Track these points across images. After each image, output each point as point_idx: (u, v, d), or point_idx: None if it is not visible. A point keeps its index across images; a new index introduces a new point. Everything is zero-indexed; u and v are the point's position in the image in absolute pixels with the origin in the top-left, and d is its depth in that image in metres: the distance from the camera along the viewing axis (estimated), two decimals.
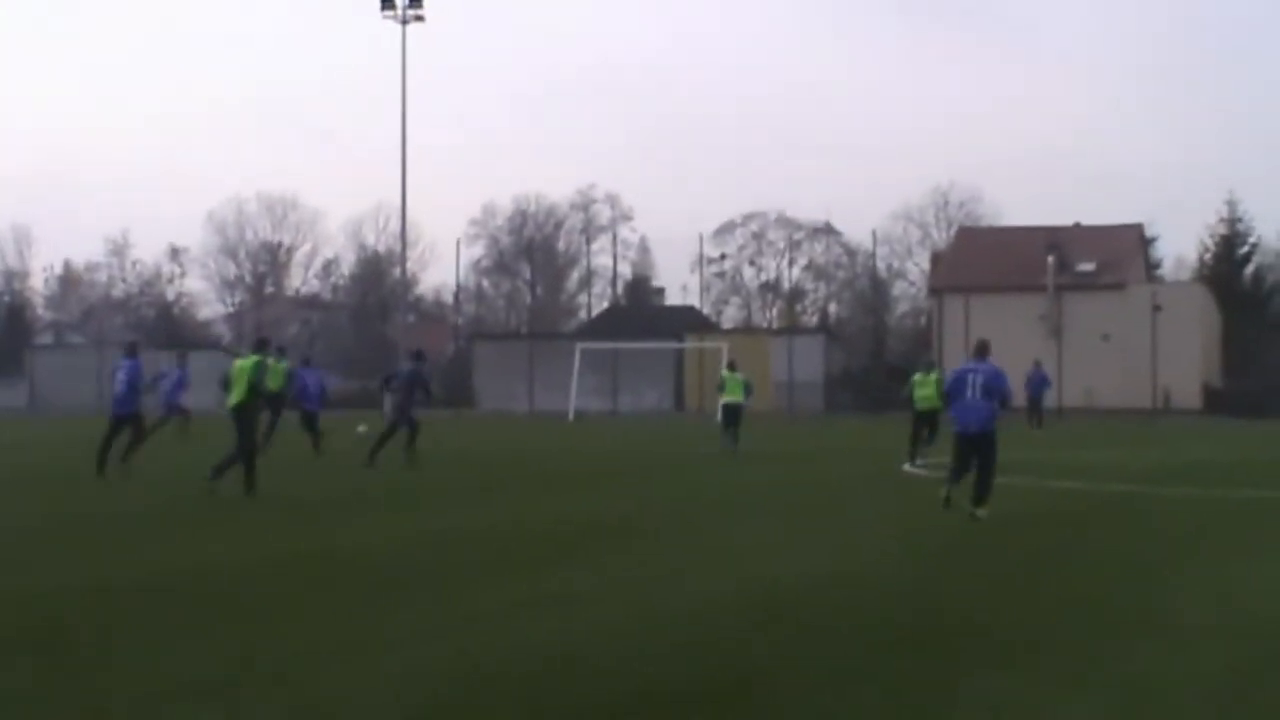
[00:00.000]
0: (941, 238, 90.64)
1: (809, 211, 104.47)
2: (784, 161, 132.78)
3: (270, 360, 22.27)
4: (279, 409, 28.18)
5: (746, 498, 18.74)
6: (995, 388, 16.10)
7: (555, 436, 38.48)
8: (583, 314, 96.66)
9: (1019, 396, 17.17)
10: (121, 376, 21.44)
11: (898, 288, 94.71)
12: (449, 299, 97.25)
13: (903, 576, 11.22)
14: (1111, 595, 10.30)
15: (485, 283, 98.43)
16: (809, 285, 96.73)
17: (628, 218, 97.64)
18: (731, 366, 31.70)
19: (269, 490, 18.05)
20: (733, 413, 30.16)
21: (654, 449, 32.32)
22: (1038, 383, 42.64)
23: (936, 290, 71.78)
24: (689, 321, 79.94)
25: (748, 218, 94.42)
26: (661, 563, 11.92)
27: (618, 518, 15.89)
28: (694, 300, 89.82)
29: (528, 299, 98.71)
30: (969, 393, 16.12)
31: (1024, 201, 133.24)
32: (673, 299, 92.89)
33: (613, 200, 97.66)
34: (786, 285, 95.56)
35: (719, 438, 29.80)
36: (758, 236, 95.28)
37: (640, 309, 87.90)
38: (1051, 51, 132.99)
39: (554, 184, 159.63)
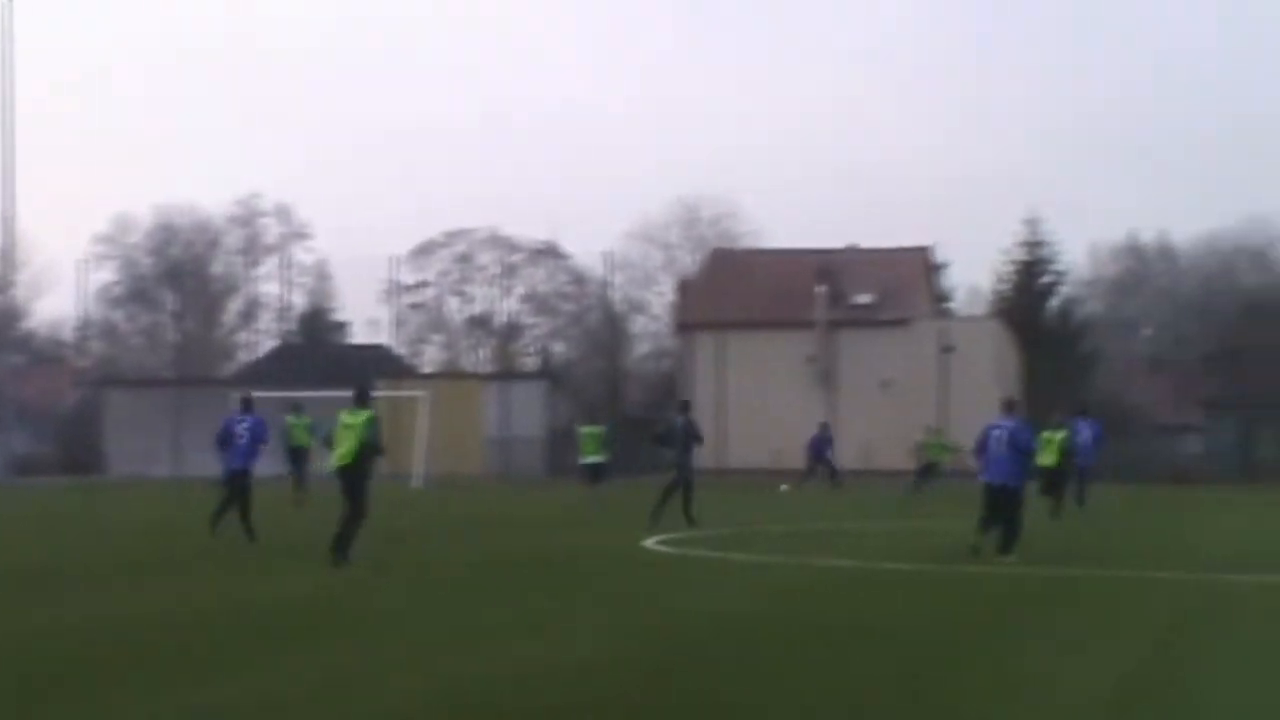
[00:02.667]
0: (690, 262, 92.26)
1: (528, 229, 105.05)
2: (497, 167, 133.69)
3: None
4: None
5: (458, 578, 18.89)
6: (1020, 443, 20.98)
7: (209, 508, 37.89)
8: (245, 354, 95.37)
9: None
10: (242, 430, 24.99)
11: (638, 323, 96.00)
12: (70, 336, 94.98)
13: (649, 662, 11.55)
14: (885, 690, 10.81)
15: (118, 315, 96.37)
16: (528, 319, 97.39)
17: (302, 236, 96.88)
18: (589, 420, 37.44)
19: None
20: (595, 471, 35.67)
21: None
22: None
23: (684, 326, 73.08)
24: (380, 364, 79.66)
25: (452, 236, 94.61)
26: (364, 658, 12.03)
27: (308, 605, 15.92)
28: (386, 338, 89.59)
29: (174, 336, 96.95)
30: (995, 447, 20.85)
31: (790, 219, 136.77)
32: (359, 336, 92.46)
33: (283, 213, 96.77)
34: (501, 319, 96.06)
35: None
36: (465, 259, 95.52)
37: (318, 348, 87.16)
38: (819, 41, 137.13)
39: (208, 192, 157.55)
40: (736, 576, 19.63)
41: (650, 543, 24.36)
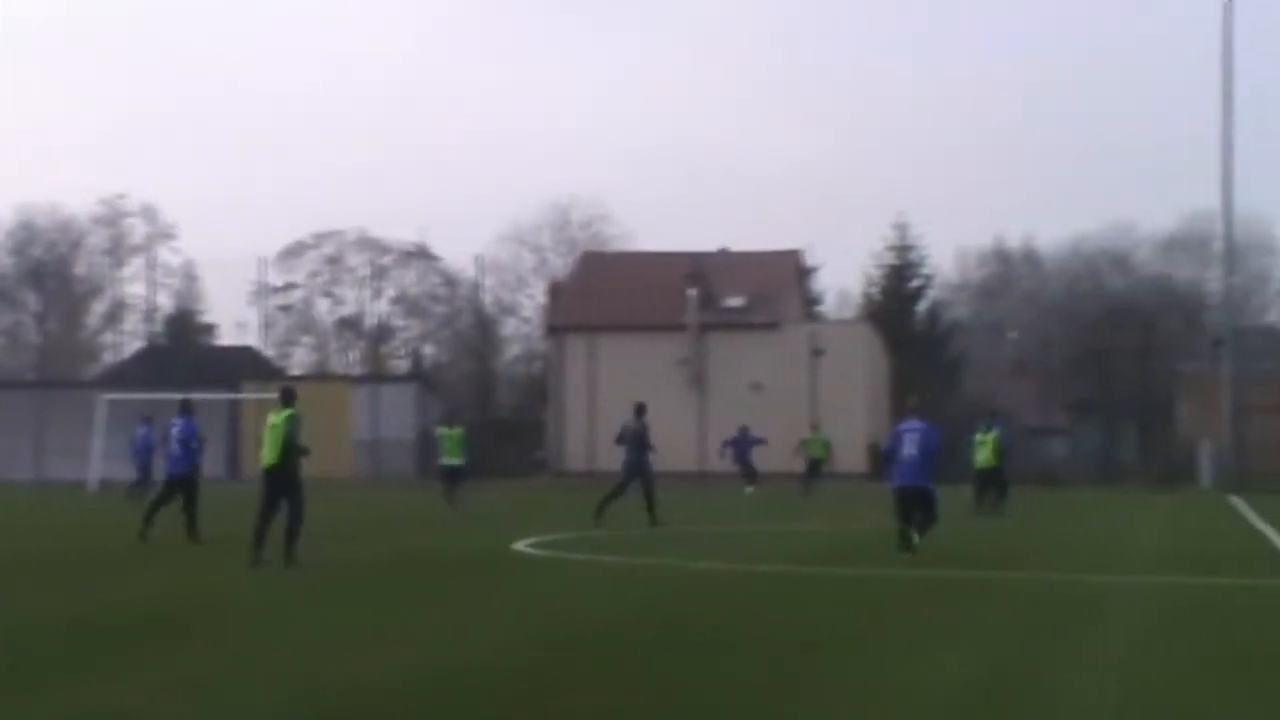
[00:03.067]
0: (562, 265, 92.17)
1: (398, 230, 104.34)
2: (366, 167, 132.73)
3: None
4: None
5: (327, 580, 18.72)
6: (929, 444, 21.41)
7: (73, 512, 37.39)
8: (110, 356, 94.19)
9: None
10: (175, 435, 25.35)
11: (509, 325, 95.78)
12: None
13: (516, 668, 11.50)
14: (756, 692, 10.82)
15: None
16: (399, 321, 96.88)
17: (168, 236, 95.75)
18: (448, 422, 38.43)
19: None
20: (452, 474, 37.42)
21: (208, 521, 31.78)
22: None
23: (555, 329, 72.96)
24: (248, 366, 78.95)
25: (321, 238, 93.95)
26: (229, 660, 11.89)
27: (176, 606, 15.71)
28: (254, 340, 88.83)
29: (36, 337, 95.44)
30: (907, 449, 21.36)
31: (662, 223, 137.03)
32: (227, 338, 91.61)
33: (149, 214, 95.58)
34: (371, 321, 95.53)
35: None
36: (334, 261, 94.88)
37: (185, 350, 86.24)
38: (690, 44, 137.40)
39: (71, 191, 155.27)
40: (607, 579, 19.60)
41: (522, 545, 24.29)
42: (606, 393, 65.56)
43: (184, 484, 25.14)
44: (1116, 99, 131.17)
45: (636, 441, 30.12)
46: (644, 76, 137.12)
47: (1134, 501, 40.04)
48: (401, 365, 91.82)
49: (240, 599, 16.92)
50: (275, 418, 20.87)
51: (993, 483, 34.56)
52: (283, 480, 20.69)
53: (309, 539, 20.89)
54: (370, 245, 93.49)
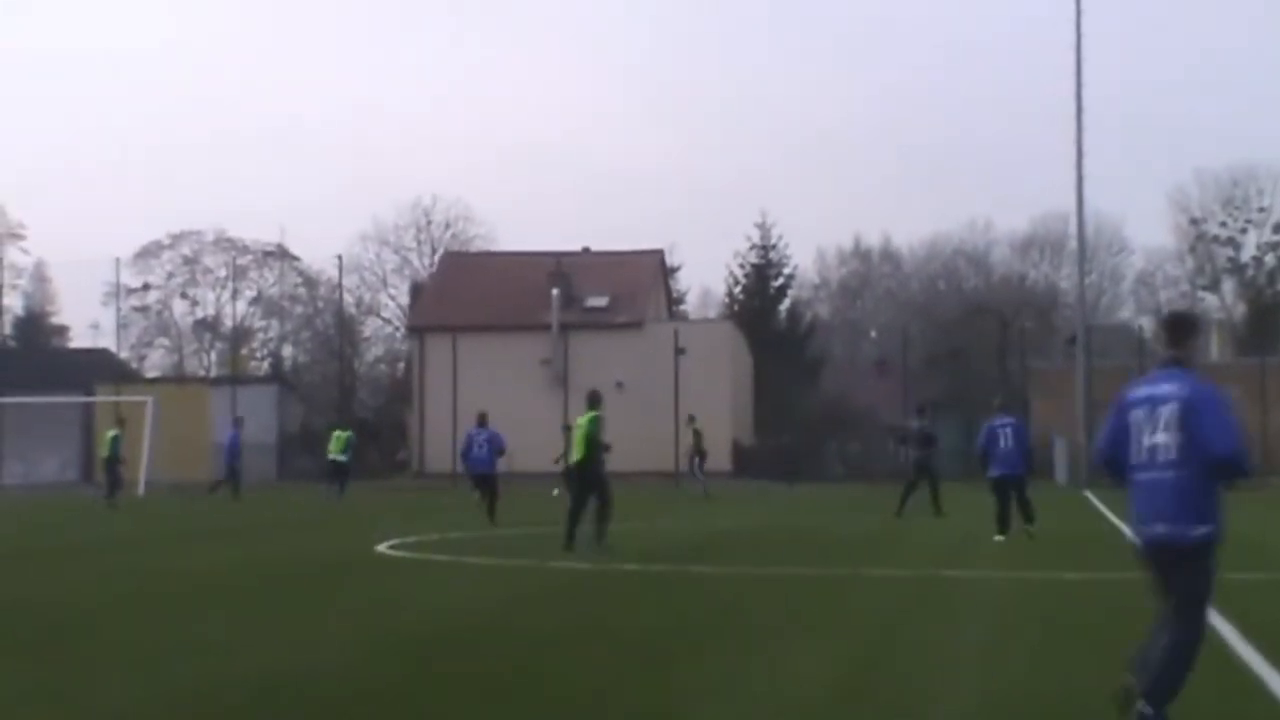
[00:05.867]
0: (423, 265, 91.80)
1: (257, 230, 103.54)
2: (222, 165, 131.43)
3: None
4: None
5: (186, 586, 18.47)
6: (1023, 437, 25.22)
7: None
8: None
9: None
10: (482, 441, 30.69)
11: (370, 326, 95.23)
12: None
13: (370, 672, 11.40)
14: (617, 691, 10.80)
15: None
16: (258, 323, 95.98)
17: (18, 236, 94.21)
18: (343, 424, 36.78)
19: None
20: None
21: (63, 528, 31.34)
22: None
23: (417, 329, 72.64)
24: (103, 369, 77.87)
25: (178, 238, 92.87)
26: (86, 664, 11.72)
27: (36, 611, 15.43)
28: (109, 342, 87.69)
29: None
30: (1003, 443, 24.78)
31: (524, 223, 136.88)
32: (80, 340, 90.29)
33: None
34: (229, 323, 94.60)
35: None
36: (191, 262, 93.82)
37: (36, 353, 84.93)
38: (551, 45, 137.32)
39: None
40: (467, 581, 19.49)
41: (384, 547, 24.14)
42: (469, 392, 65.27)
43: (488, 480, 30.23)
44: (971, 100, 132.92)
45: (921, 439, 33.25)
46: (506, 76, 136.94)
47: (986, 498, 40.34)
48: (261, 366, 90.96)
49: (93, 606, 16.64)
50: (580, 419, 23.76)
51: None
52: (588, 476, 23.25)
53: (166, 544, 20.59)
54: (228, 245, 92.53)
